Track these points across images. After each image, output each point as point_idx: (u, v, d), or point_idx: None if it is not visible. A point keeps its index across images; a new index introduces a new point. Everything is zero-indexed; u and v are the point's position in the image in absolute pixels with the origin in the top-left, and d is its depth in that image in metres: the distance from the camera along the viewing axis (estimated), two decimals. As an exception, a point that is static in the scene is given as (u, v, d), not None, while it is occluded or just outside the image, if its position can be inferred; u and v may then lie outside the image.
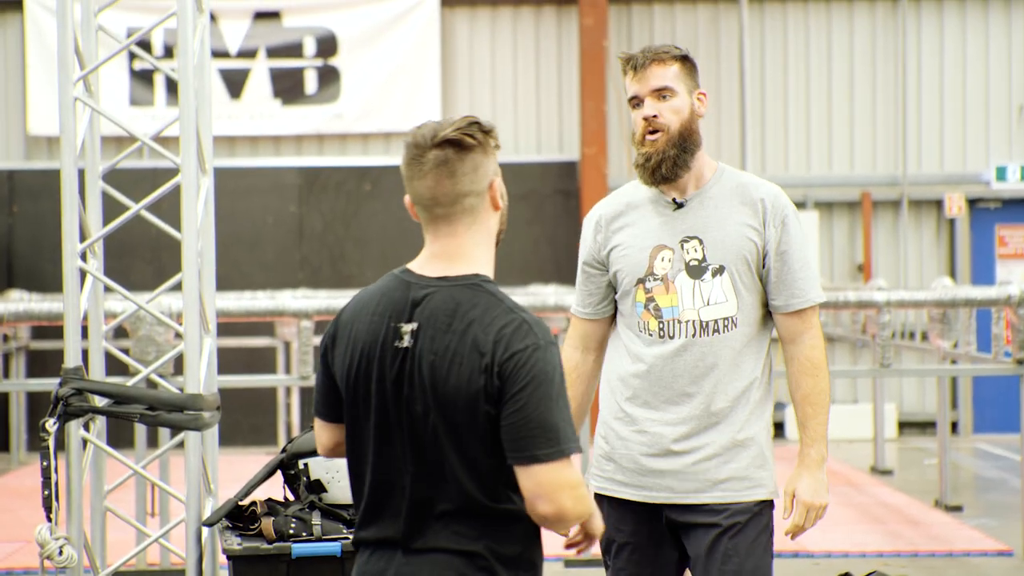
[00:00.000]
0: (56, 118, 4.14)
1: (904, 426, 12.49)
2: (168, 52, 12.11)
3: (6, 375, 10.56)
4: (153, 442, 7.81)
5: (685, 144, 3.32)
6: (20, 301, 8.74)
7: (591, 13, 11.95)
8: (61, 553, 3.80)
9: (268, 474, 3.75)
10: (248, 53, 12.38)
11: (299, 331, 7.01)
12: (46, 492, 3.67)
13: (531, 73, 12.57)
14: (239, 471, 6.35)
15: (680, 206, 3.35)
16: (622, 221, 3.42)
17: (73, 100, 4.10)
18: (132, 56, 12.00)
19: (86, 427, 4.07)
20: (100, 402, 3.89)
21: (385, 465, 2.57)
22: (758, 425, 3.35)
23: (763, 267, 3.33)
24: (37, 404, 11.44)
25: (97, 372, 4.14)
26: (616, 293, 3.44)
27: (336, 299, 7.39)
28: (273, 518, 3.62)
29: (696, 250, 3.32)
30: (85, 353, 4.10)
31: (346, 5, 12.42)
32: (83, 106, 4.25)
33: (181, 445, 4.05)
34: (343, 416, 2.67)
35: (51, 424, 3.71)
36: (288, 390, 10.96)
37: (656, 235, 3.35)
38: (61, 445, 3.82)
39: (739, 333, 3.32)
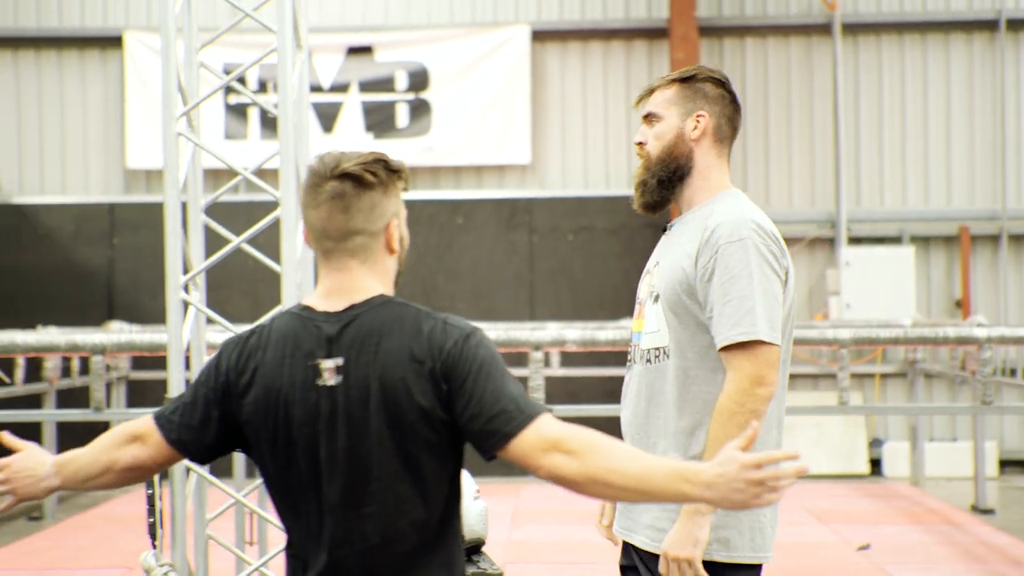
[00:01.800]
0: (154, 152, 4.23)
1: (1005, 464, 12.19)
2: (262, 87, 12.31)
3: (107, 404, 10.73)
4: (252, 471, 7.89)
5: (664, 171, 3.14)
6: (122, 332, 8.89)
7: (682, 46, 11.93)
8: (164, 580, 3.84)
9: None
10: (341, 87, 12.54)
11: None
12: (151, 519, 3.72)
13: (622, 107, 12.56)
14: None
15: (665, 230, 3.22)
16: None
17: (176, 135, 4.17)
18: (227, 91, 12.21)
19: (187, 457, 4.12)
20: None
21: (327, 511, 2.43)
22: None
23: (704, 299, 3.02)
24: (134, 434, 11.62)
25: (198, 402, 4.19)
26: None
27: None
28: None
29: (653, 275, 3.15)
30: (187, 383, 4.15)
31: (438, 40, 12.53)
32: (185, 141, 4.32)
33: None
34: (198, 453, 2.53)
35: (154, 453, 3.76)
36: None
37: (651, 259, 3.22)
38: (165, 474, 3.88)
39: (672, 366, 3.04)
